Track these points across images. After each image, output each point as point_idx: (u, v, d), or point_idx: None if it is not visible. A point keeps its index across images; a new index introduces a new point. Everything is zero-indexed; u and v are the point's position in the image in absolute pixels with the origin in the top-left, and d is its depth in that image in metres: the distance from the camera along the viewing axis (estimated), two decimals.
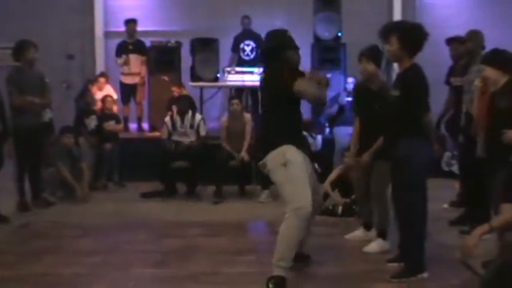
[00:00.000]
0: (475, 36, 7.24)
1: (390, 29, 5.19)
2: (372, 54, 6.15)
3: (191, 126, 9.12)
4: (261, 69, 5.21)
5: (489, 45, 6.88)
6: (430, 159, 5.22)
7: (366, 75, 6.24)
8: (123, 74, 11.53)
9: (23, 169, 7.98)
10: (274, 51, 5.17)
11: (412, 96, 4.98)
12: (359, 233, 6.40)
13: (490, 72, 5.40)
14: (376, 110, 5.94)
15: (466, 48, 7.29)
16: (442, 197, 7.81)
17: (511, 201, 4.42)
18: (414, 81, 5.03)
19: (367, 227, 6.34)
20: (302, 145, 5.18)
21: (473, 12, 12.52)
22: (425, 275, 5.07)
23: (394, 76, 5.79)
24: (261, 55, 5.46)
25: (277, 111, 5.08)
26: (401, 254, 5.31)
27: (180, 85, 10.73)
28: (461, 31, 7.69)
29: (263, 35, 11.63)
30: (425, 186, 5.12)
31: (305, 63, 11.77)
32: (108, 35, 13.27)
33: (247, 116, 9.24)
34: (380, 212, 6.07)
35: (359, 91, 6.50)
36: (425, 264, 5.10)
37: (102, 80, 11.42)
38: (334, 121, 10.03)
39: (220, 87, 11.62)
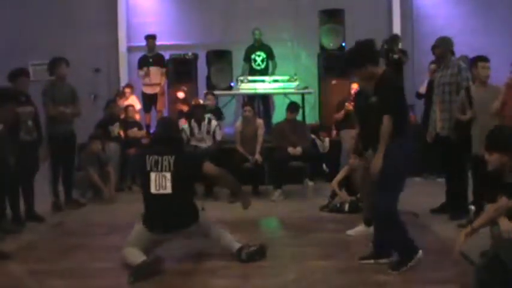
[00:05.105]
0: (443, 42, 7.11)
1: (349, 66, 5.24)
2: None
3: (208, 132, 9.14)
4: None
5: (480, 52, 6.88)
6: (410, 157, 5.06)
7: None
8: (144, 85, 11.64)
9: (57, 173, 8.06)
10: None
11: (386, 99, 4.92)
12: (360, 228, 6.38)
13: None
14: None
15: (436, 54, 7.21)
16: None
17: (493, 201, 4.44)
18: (386, 86, 4.97)
19: (368, 222, 6.29)
20: None
21: (465, 22, 12.49)
22: (420, 253, 4.97)
23: None
24: None
25: None
26: (376, 250, 5.25)
27: (195, 97, 10.92)
28: (455, 39, 7.66)
29: (273, 47, 11.65)
30: (404, 181, 5.02)
31: (312, 71, 11.91)
32: (130, 49, 13.38)
33: (259, 121, 9.27)
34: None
35: (357, 97, 6.53)
36: (416, 244, 5.01)
37: (127, 90, 11.51)
38: (340, 125, 10.01)
39: (234, 95, 11.65)
